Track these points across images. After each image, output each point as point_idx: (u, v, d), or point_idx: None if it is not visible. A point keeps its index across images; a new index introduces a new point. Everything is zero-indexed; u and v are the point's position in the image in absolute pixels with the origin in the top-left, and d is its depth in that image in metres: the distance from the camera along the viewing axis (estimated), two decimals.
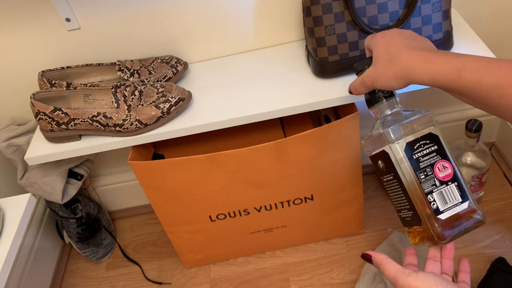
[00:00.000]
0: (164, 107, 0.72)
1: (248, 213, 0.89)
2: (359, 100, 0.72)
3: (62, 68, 0.80)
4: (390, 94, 0.59)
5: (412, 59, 0.52)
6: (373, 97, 0.60)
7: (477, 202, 0.99)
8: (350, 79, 0.74)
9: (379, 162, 0.59)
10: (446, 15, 0.70)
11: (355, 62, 0.72)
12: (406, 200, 0.58)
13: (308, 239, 1.01)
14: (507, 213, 0.98)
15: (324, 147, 0.79)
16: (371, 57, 0.59)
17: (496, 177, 1.06)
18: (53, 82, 0.76)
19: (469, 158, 0.90)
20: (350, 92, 0.63)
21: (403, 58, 0.53)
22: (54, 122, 0.73)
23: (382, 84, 0.56)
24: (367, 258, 0.60)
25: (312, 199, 0.88)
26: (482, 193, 0.99)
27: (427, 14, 0.69)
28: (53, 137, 0.75)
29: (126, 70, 0.78)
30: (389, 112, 0.59)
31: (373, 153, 0.59)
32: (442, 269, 0.60)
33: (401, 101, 1.01)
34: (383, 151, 0.57)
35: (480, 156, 0.90)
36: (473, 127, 0.85)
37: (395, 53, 0.54)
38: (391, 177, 0.58)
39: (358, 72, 0.61)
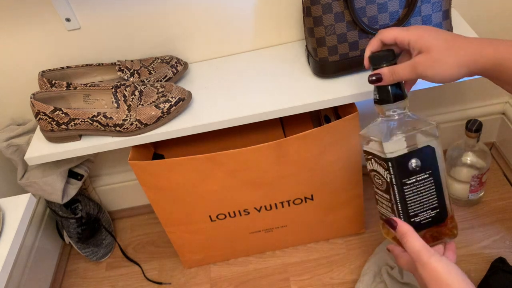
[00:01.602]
0: (164, 107, 0.72)
1: (248, 213, 0.89)
2: (359, 100, 0.72)
3: (62, 68, 0.80)
4: (402, 96, 0.58)
5: (478, 46, 0.51)
6: (386, 95, 0.58)
7: (477, 202, 1.00)
8: (350, 79, 0.74)
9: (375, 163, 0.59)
10: (446, 15, 0.70)
11: (355, 62, 0.72)
12: (436, 199, 0.58)
13: (308, 239, 1.01)
14: (507, 213, 0.98)
15: (324, 147, 0.79)
16: (392, 51, 0.58)
17: (496, 177, 1.06)
18: (53, 82, 0.76)
19: (469, 158, 0.91)
20: (379, 79, 0.57)
21: (466, 44, 0.51)
22: (54, 122, 0.73)
23: (438, 72, 0.53)
24: (391, 224, 0.57)
25: (312, 199, 0.88)
26: (482, 193, 0.99)
27: (427, 14, 0.69)
28: (53, 137, 0.75)
29: (126, 70, 0.78)
30: (396, 113, 0.58)
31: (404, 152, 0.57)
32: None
33: None
34: (429, 146, 0.56)
35: (480, 156, 0.90)
36: (473, 127, 0.85)
37: (454, 41, 0.52)
38: (426, 175, 0.57)
39: (377, 66, 0.58)
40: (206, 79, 0.82)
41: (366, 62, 0.60)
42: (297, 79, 0.77)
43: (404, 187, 0.57)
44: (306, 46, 0.77)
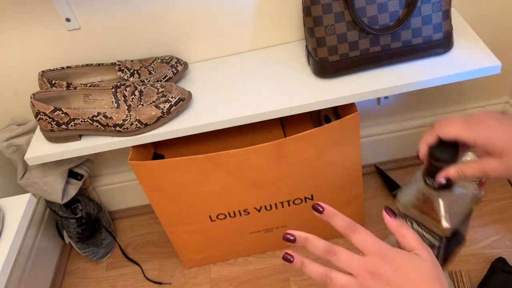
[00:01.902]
0: (164, 107, 0.72)
1: (248, 213, 0.89)
2: (359, 100, 0.72)
3: (62, 68, 0.80)
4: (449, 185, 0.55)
5: None
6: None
7: (477, 202, 1.00)
8: (350, 79, 0.74)
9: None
10: (446, 15, 0.70)
11: (355, 62, 0.72)
12: None
13: None
14: (507, 213, 0.98)
15: (324, 147, 0.79)
16: (456, 147, 0.52)
17: None
18: (53, 82, 0.76)
19: (469, 158, 0.90)
20: (449, 183, 0.53)
21: None
22: (54, 122, 0.73)
23: (507, 174, 0.50)
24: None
25: (312, 199, 0.88)
26: (482, 193, 0.99)
27: (427, 14, 0.69)
28: (53, 137, 0.75)
29: (126, 70, 0.78)
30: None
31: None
32: None
33: (401, 103, 1.01)
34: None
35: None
36: None
37: None
38: None
39: (440, 163, 0.52)
40: (206, 79, 0.82)
41: (422, 155, 0.54)
42: (297, 79, 0.77)
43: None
44: (306, 46, 0.77)
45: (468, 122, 0.51)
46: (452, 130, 0.51)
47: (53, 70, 0.79)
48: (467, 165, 0.51)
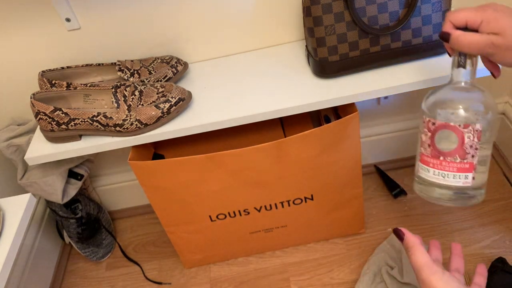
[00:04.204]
0: (164, 107, 0.72)
1: (248, 213, 0.89)
2: (359, 100, 0.72)
3: (62, 68, 0.80)
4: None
5: None
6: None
7: None
8: (350, 79, 0.74)
9: None
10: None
11: (355, 62, 0.72)
12: None
13: (308, 239, 1.01)
14: (507, 213, 0.98)
15: (324, 147, 0.79)
16: None
17: (496, 177, 1.06)
18: (53, 82, 0.76)
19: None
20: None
21: None
22: (54, 122, 0.73)
23: (507, 60, 0.52)
24: (399, 235, 0.58)
25: (312, 199, 0.88)
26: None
27: (427, 14, 0.69)
28: (53, 137, 0.75)
29: (126, 70, 0.78)
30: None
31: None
32: (453, 265, 0.60)
33: (401, 103, 1.01)
34: None
35: None
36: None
37: None
38: None
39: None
40: (206, 79, 0.82)
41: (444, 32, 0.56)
42: (297, 79, 0.77)
43: None
44: (306, 46, 0.77)
45: (477, 7, 0.53)
46: (461, 14, 0.54)
47: (53, 70, 0.79)
48: (474, 33, 0.53)
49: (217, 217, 0.89)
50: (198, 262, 1.02)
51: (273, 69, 0.80)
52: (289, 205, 0.89)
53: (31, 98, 0.73)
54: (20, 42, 0.81)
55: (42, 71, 0.78)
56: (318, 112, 0.94)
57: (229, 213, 0.89)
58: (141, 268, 1.06)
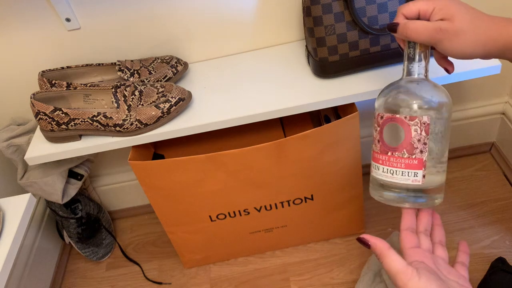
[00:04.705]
0: (164, 107, 0.72)
1: (248, 213, 0.89)
2: (359, 100, 0.72)
3: (62, 68, 0.80)
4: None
5: (499, 24, 0.49)
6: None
7: None
8: (350, 79, 0.74)
9: None
10: None
11: (355, 62, 0.72)
12: None
13: (308, 239, 1.01)
14: (507, 213, 0.98)
15: (324, 147, 0.79)
16: None
17: (496, 177, 1.06)
18: (53, 82, 0.76)
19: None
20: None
21: (488, 22, 0.50)
22: (54, 122, 0.73)
23: (455, 47, 0.51)
24: (364, 243, 0.53)
25: (312, 199, 0.88)
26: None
27: None
28: (53, 137, 0.75)
29: (126, 70, 0.78)
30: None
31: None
32: (436, 237, 0.57)
33: None
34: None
35: None
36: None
37: (477, 17, 0.50)
38: None
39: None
40: (206, 79, 0.82)
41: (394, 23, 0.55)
42: (297, 79, 0.77)
43: None
44: (306, 46, 0.77)
45: None
46: (414, 5, 0.53)
47: (53, 70, 0.79)
48: (420, 21, 0.52)
49: (217, 217, 0.89)
50: (198, 262, 1.02)
51: (273, 69, 0.80)
52: (289, 205, 0.89)
53: (31, 98, 0.73)
54: (20, 42, 0.81)
55: (42, 71, 0.78)
56: (318, 112, 0.94)
57: (229, 213, 0.89)
58: (141, 268, 1.06)
